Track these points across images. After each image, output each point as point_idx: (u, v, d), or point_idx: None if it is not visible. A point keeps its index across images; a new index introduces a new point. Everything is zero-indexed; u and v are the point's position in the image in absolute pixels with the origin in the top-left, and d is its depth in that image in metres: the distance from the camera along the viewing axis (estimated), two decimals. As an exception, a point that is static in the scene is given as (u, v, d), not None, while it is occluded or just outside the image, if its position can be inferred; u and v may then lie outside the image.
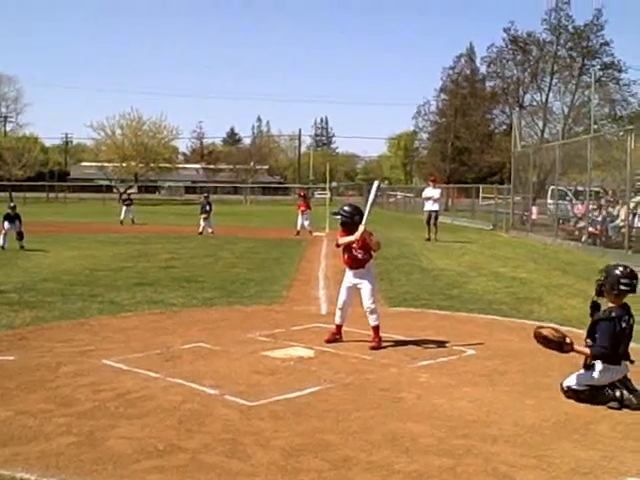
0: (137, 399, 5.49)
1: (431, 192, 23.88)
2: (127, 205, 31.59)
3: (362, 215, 7.66)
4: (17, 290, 10.79)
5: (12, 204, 19.45)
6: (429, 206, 23.61)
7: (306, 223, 25.35)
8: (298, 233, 24.61)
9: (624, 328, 5.63)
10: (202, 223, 24.93)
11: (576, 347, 5.68)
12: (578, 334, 6.42)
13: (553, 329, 5.92)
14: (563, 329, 8.29)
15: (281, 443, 4.62)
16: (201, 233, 24.33)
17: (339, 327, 7.82)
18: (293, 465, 4.24)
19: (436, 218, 23.26)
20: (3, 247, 17.80)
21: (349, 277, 7.72)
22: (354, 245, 7.44)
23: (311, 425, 4.96)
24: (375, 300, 7.62)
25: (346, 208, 7.74)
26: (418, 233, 23.81)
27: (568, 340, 5.70)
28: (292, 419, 5.08)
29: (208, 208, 25.12)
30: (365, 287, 7.54)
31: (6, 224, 18.30)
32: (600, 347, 5.60)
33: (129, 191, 34.28)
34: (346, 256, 7.63)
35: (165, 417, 5.07)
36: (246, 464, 4.25)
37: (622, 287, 5.67)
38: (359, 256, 7.50)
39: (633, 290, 5.72)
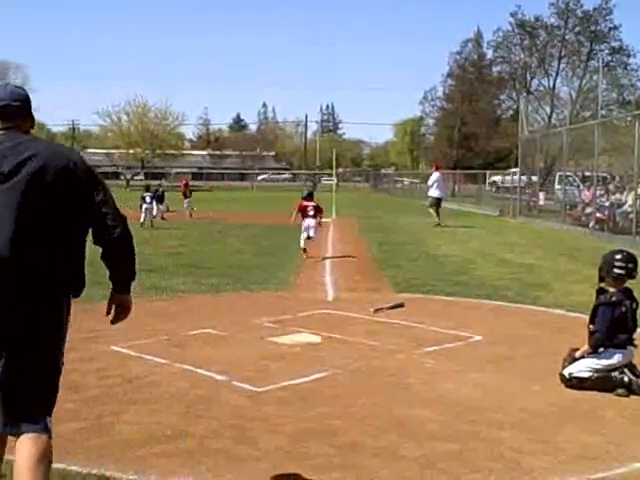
0: (145, 385, 5.51)
1: (431, 178, 24.38)
2: (159, 201, 28.90)
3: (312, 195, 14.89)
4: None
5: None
6: (429, 192, 24.12)
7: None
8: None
9: (624, 312, 5.61)
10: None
11: (579, 352, 5.69)
12: (586, 320, 6.40)
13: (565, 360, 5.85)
14: (571, 315, 8.34)
15: (288, 429, 4.63)
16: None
17: (305, 249, 13.88)
18: (300, 450, 4.26)
19: (436, 204, 23.44)
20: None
21: (306, 222, 13.96)
22: (309, 212, 13.98)
23: (318, 411, 4.98)
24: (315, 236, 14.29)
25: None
26: (424, 219, 23.79)
27: (577, 354, 5.71)
28: (299, 405, 5.10)
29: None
30: (314, 228, 13.99)
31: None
32: (599, 333, 5.60)
33: (152, 182, 31.29)
34: (305, 213, 14.06)
35: (173, 403, 5.09)
36: (253, 449, 4.27)
37: (616, 271, 5.66)
38: (310, 213, 13.96)
39: (630, 275, 5.67)
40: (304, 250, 13.88)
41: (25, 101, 3.37)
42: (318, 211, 14.15)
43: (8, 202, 3.07)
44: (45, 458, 3.13)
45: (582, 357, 5.65)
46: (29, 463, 3.04)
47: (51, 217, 3.14)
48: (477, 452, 4.28)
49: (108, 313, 3.49)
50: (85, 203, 3.23)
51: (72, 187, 3.18)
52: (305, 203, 14.15)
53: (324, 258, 14.05)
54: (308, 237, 13.93)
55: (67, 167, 3.18)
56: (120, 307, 3.51)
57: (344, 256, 14.56)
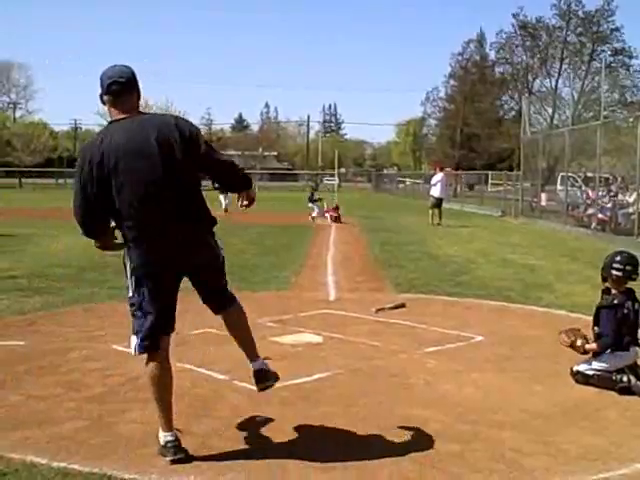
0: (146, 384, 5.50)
1: (434, 178, 24.86)
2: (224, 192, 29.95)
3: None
4: (27, 276, 10.83)
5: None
6: (432, 192, 24.70)
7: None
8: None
9: (627, 314, 5.61)
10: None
11: (587, 347, 5.72)
12: (588, 321, 6.40)
13: (566, 333, 5.90)
14: (573, 316, 8.34)
15: (289, 428, 4.64)
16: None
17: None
18: (301, 449, 4.26)
19: (438, 205, 23.94)
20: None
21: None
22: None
23: (320, 410, 4.98)
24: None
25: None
26: (426, 219, 23.83)
27: (579, 342, 5.73)
28: (301, 404, 5.10)
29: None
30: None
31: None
32: (607, 337, 5.60)
33: None
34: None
35: (175, 402, 5.05)
36: (254, 449, 4.27)
37: (613, 272, 5.68)
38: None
39: (628, 277, 5.67)
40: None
41: (130, 78, 4.06)
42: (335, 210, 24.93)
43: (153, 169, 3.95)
44: (244, 315, 4.55)
45: (590, 355, 5.68)
46: (239, 322, 4.55)
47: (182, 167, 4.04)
48: (478, 452, 4.28)
49: (241, 205, 4.51)
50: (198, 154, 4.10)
51: (188, 144, 4.03)
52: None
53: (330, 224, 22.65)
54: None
55: (176, 129, 4.03)
56: (248, 197, 4.46)
57: (346, 257, 14.60)
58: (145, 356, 4.17)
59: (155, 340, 4.15)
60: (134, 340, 4.15)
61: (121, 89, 4.00)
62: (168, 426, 4.15)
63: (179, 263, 4.15)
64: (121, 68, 4.08)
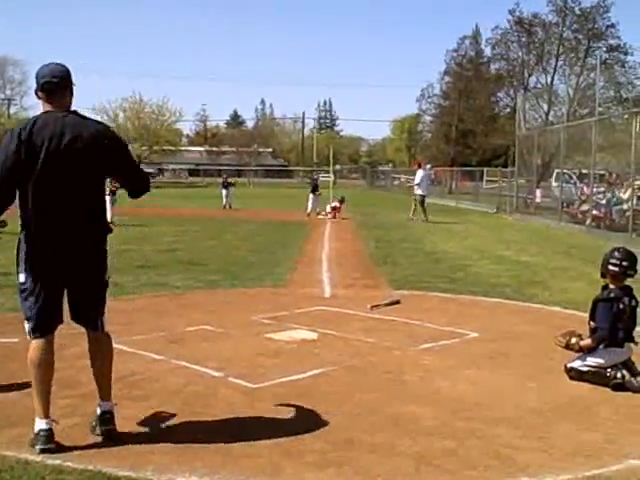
0: (141, 381, 5.51)
1: (417, 176, 25.13)
2: (227, 188, 30.77)
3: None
4: (21, 272, 10.79)
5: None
6: (416, 190, 24.80)
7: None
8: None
9: (622, 309, 5.62)
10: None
11: (581, 344, 5.73)
12: (582, 317, 6.42)
13: (562, 335, 5.92)
14: (567, 312, 8.36)
15: (284, 425, 4.64)
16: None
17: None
18: (296, 447, 4.26)
19: (421, 202, 24.18)
20: None
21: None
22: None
23: (314, 407, 4.97)
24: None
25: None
26: (420, 216, 23.84)
27: (574, 340, 5.75)
28: (295, 401, 5.10)
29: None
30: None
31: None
32: (602, 330, 5.61)
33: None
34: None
35: (169, 399, 5.09)
36: (249, 446, 4.26)
37: (610, 267, 5.70)
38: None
39: (624, 273, 5.68)
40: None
41: (63, 77, 4.19)
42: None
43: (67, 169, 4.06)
44: (111, 349, 4.46)
45: (586, 351, 5.68)
46: (104, 353, 4.43)
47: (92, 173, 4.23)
48: (473, 449, 4.28)
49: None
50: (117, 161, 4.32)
51: (105, 150, 4.19)
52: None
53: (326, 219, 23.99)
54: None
55: (100, 136, 4.21)
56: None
57: (341, 254, 14.60)
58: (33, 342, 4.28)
59: (46, 325, 4.24)
60: (27, 326, 4.27)
61: (54, 87, 4.17)
62: (45, 413, 4.15)
63: (68, 263, 4.20)
64: (55, 67, 4.23)
